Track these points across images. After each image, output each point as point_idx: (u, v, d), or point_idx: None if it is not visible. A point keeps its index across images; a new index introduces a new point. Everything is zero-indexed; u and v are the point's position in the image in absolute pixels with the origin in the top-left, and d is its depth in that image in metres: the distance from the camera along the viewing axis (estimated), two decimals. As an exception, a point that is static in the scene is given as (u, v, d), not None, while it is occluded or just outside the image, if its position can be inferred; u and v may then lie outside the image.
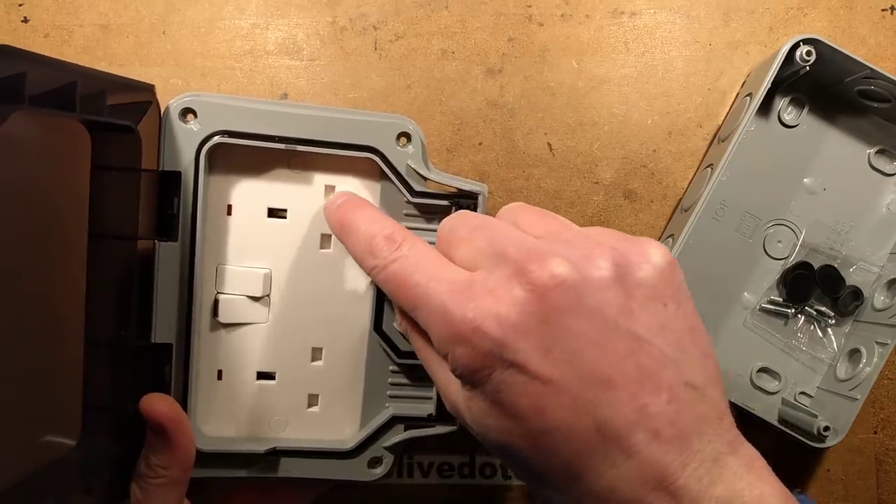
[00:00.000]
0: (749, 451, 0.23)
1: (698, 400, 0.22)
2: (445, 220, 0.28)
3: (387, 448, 0.34)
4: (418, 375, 0.34)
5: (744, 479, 0.22)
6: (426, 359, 0.27)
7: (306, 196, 0.33)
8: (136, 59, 0.40)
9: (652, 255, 0.24)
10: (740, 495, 0.21)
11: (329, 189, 0.33)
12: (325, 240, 0.33)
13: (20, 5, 0.40)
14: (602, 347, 0.22)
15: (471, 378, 0.23)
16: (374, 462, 0.34)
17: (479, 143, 0.41)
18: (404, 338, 0.33)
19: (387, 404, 0.34)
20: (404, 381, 0.34)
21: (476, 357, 0.22)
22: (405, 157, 0.32)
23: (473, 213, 0.29)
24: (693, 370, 0.23)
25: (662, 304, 0.23)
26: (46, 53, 0.39)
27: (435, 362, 0.27)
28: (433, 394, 0.34)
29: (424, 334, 0.26)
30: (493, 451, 0.25)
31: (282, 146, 0.31)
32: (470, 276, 0.24)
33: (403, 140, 0.32)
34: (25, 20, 0.40)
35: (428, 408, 0.34)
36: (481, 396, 0.23)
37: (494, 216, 0.28)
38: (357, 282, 0.34)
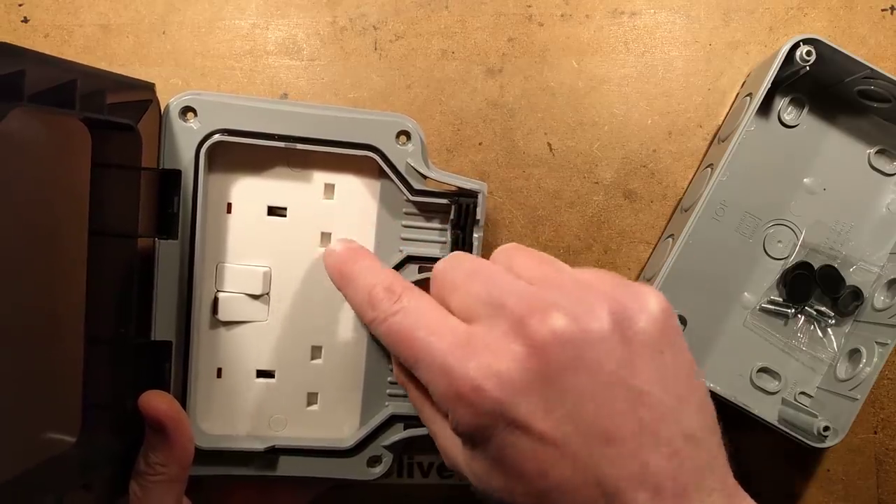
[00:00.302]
0: (748, 503, 0.23)
1: (697, 451, 0.22)
2: (439, 262, 0.28)
3: (386, 447, 0.34)
4: None
5: None
6: (425, 414, 0.27)
7: (306, 194, 0.33)
8: (136, 59, 0.40)
9: (649, 304, 0.23)
10: None
11: (328, 187, 0.33)
12: (324, 238, 0.33)
13: (20, 5, 0.40)
14: (602, 402, 0.22)
15: (472, 437, 0.23)
16: (374, 461, 0.34)
17: (479, 143, 0.41)
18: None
19: (386, 403, 0.34)
20: None
21: (478, 417, 0.22)
22: (405, 156, 0.32)
23: (467, 255, 0.28)
24: (691, 420, 0.23)
25: (660, 352, 0.23)
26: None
27: (434, 419, 0.26)
28: None
29: (423, 389, 0.25)
30: None
31: (281, 144, 0.31)
32: (469, 330, 0.24)
33: (403, 138, 0.32)
34: (25, 20, 0.40)
35: None
36: (483, 456, 0.23)
37: (489, 256, 0.27)
38: None
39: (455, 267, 0.26)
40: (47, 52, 0.40)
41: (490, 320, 0.23)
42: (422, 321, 0.25)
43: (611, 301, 0.23)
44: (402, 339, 0.25)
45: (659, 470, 0.22)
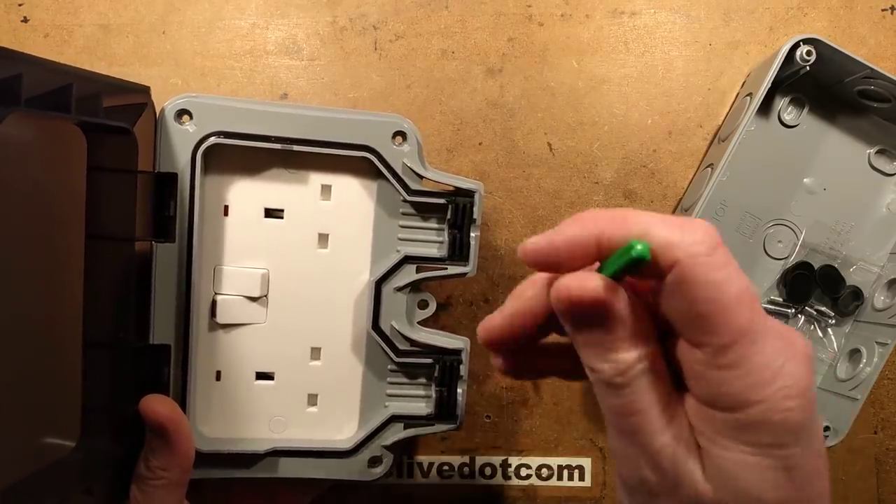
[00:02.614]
0: None
1: None
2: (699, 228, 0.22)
3: (386, 447, 0.34)
4: (417, 374, 0.34)
5: None
6: (663, 407, 0.22)
7: (303, 196, 0.33)
8: (136, 59, 0.40)
9: None
10: None
11: (325, 189, 0.33)
12: (321, 239, 0.33)
13: (20, 5, 0.40)
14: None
15: (781, 436, 0.21)
16: (374, 461, 0.34)
17: (479, 143, 0.41)
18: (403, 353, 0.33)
19: (386, 403, 0.34)
20: (403, 379, 0.34)
21: (806, 411, 0.21)
22: (401, 156, 0.32)
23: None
24: None
25: None
26: (46, 53, 0.39)
27: (682, 413, 0.22)
28: (432, 392, 0.34)
29: (668, 378, 0.22)
30: None
31: (278, 146, 0.31)
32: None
33: (399, 139, 0.32)
34: (25, 20, 0.40)
35: (427, 406, 0.34)
36: (774, 459, 0.21)
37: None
38: (354, 281, 0.34)
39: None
40: (47, 52, 0.40)
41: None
42: (754, 294, 0.21)
43: None
44: (739, 301, 0.20)
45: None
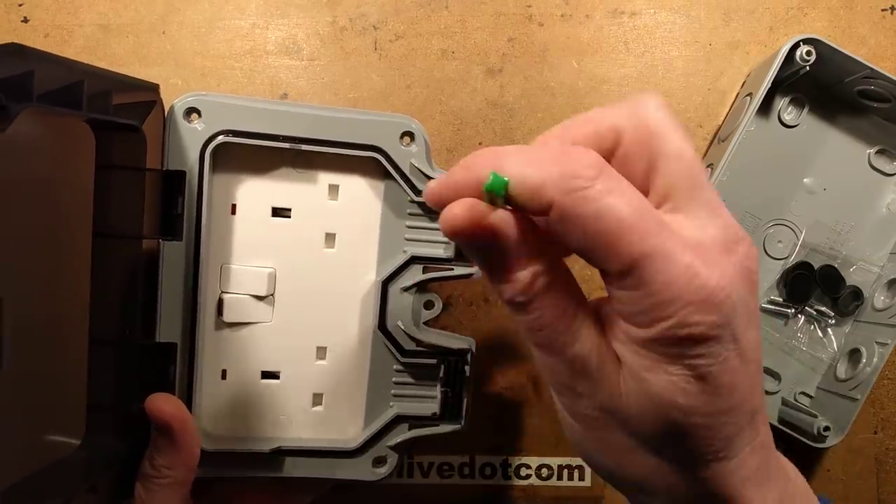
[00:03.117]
0: None
1: None
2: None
3: (391, 447, 0.34)
4: (422, 374, 0.34)
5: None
6: (569, 321, 0.23)
7: (310, 195, 0.33)
8: (136, 59, 0.40)
9: None
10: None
11: (333, 188, 0.33)
12: (329, 239, 0.33)
13: (20, 5, 0.40)
14: (756, 327, 0.23)
15: (689, 349, 0.21)
16: (379, 461, 0.34)
17: (479, 143, 0.41)
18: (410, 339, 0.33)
19: (391, 403, 0.34)
20: (409, 379, 0.34)
21: (713, 326, 0.21)
22: (409, 157, 0.32)
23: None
24: None
25: None
26: (47, 53, 0.38)
27: (590, 325, 0.23)
28: (437, 392, 0.34)
29: (571, 293, 0.23)
30: (643, 433, 0.23)
31: (286, 146, 0.31)
32: (692, 233, 0.22)
33: (407, 139, 0.32)
34: (25, 20, 0.40)
35: (432, 406, 0.34)
36: (685, 370, 0.22)
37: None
38: (361, 280, 0.34)
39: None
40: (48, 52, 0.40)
41: (703, 229, 0.23)
42: (647, 208, 0.21)
43: None
44: (624, 228, 0.21)
45: (762, 392, 0.24)
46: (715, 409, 0.22)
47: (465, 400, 0.34)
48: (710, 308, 0.21)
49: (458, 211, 0.21)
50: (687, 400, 0.22)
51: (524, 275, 0.22)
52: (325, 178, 0.33)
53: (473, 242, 0.22)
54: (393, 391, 0.34)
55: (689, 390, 0.22)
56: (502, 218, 0.22)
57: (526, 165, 0.21)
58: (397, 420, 0.34)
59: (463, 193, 0.22)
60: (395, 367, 0.34)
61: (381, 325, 0.33)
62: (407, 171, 0.32)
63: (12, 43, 0.20)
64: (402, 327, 0.33)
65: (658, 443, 0.23)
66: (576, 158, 0.21)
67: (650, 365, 0.22)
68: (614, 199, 0.20)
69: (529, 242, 0.22)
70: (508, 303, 0.23)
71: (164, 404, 0.29)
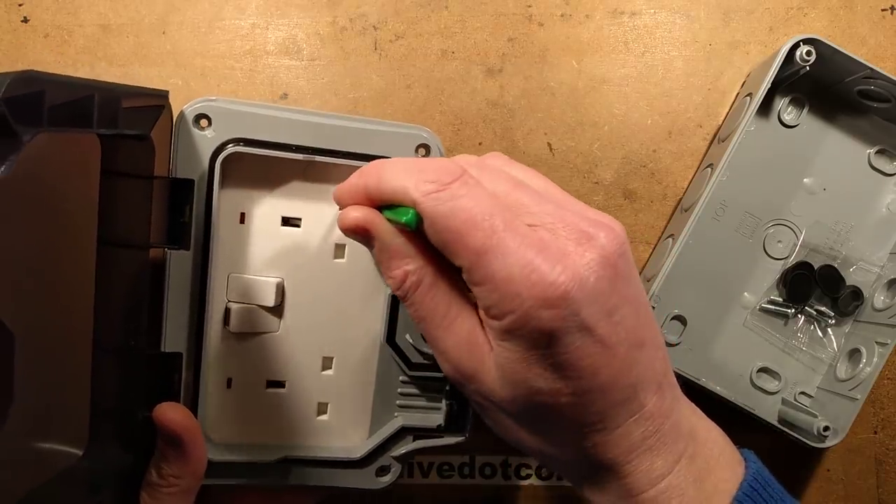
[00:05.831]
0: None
1: (665, 353, 0.26)
2: (462, 158, 0.27)
3: (395, 457, 0.34)
4: (428, 386, 0.34)
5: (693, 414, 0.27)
6: (442, 314, 0.25)
7: (321, 206, 0.32)
8: (136, 59, 0.40)
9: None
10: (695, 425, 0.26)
11: None
12: (338, 250, 0.33)
13: (20, 5, 0.40)
14: (639, 311, 0.25)
15: (536, 339, 0.23)
16: (383, 470, 0.34)
17: (479, 143, 0.41)
18: (417, 347, 0.33)
19: (396, 414, 0.34)
20: (414, 391, 0.34)
21: (558, 320, 0.22)
22: None
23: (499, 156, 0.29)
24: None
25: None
26: (46, 53, 0.39)
27: (456, 318, 0.25)
28: (442, 405, 0.34)
29: (448, 285, 0.25)
30: (518, 413, 0.25)
31: (299, 156, 0.30)
32: (538, 234, 0.23)
33: (422, 151, 0.32)
34: (25, 20, 0.40)
35: (437, 418, 0.34)
36: (540, 358, 0.23)
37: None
38: (370, 292, 0.33)
39: (494, 174, 0.26)
40: (47, 52, 0.40)
41: (554, 229, 0.24)
42: (495, 211, 0.23)
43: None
44: (470, 226, 0.23)
45: (661, 369, 0.25)
46: (579, 390, 0.24)
47: (470, 412, 0.34)
48: (552, 303, 0.22)
49: (350, 213, 0.26)
50: (548, 384, 0.24)
51: (397, 273, 0.25)
52: None
53: (360, 240, 0.26)
54: (398, 402, 0.34)
55: (548, 376, 0.24)
56: (377, 223, 0.25)
57: (399, 172, 0.24)
58: (402, 431, 0.34)
59: (356, 196, 0.26)
60: (401, 378, 0.34)
61: (390, 338, 0.33)
62: None
63: (27, 71, 0.20)
64: (411, 341, 0.33)
65: (535, 421, 0.25)
66: (440, 167, 0.24)
67: (511, 354, 0.24)
68: (465, 201, 0.23)
69: (407, 243, 0.25)
70: (396, 294, 0.26)
71: (172, 413, 0.29)
